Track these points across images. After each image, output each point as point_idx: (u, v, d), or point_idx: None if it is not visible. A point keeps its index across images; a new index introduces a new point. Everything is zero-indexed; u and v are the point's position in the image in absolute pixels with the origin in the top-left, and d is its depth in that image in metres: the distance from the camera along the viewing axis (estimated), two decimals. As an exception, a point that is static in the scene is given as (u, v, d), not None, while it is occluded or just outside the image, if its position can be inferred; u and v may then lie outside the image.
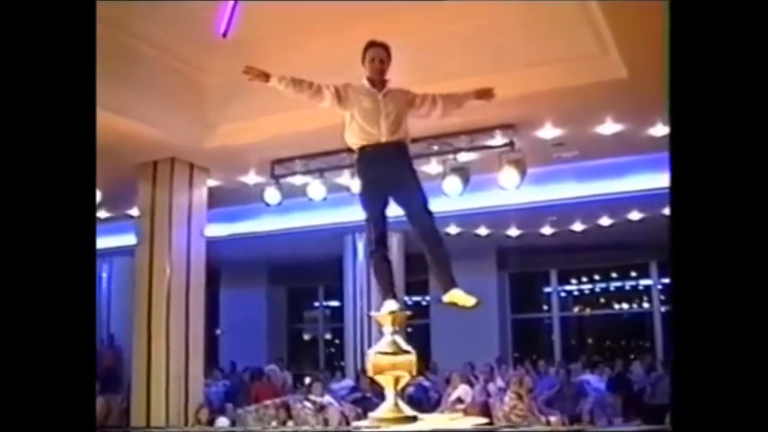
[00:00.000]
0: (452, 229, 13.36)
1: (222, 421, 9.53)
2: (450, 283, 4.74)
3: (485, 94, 5.08)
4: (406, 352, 4.58)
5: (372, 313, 4.92)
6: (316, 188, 9.55)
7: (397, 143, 4.85)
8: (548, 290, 17.18)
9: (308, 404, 9.52)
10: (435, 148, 8.86)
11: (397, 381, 4.56)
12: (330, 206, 10.54)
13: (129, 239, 11.07)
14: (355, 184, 9.01)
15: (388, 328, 4.64)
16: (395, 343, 4.59)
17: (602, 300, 17.57)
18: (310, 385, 11.01)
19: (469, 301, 4.68)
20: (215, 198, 10.38)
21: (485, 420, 5.82)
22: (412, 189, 4.84)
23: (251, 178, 10.35)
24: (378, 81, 4.90)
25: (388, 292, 4.79)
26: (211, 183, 10.29)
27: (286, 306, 19.20)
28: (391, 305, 4.66)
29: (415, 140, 5.67)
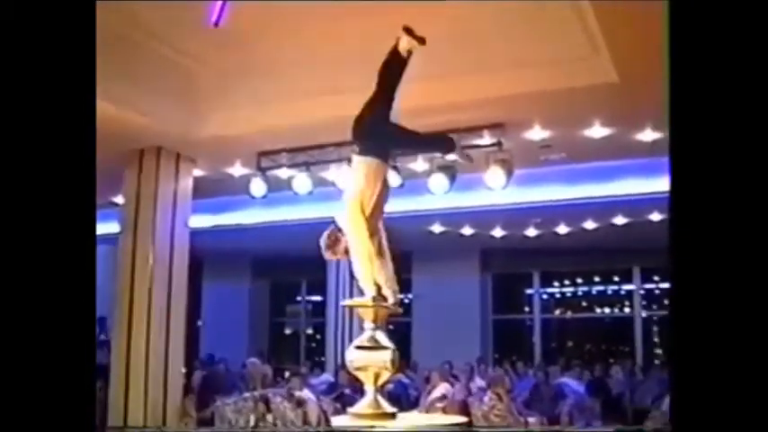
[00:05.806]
0: (436, 228, 13.37)
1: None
2: None
3: None
4: (386, 348, 4.55)
5: (345, 302, 4.96)
6: (301, 182, 9.49)
7: None
8: (530, 291, 17.22)
9: (287, 398, 9.48)
10: (422, 145, 8.82)
11: (377, 377, 4.54)
12: (316, 200, 10.49)
13: (112, 227, 11.00)
14: (340, 179, 9.00)
15: (368, 324, 4.62)
16: (374, 338, 4.57)
17: (584, 303, 17.64)
18: (289, 379, 10.98)
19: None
20: (200, 188, 10.30)
21: (464, 419, 5.82)
22: None
23: (237, 170, 10.28)
24: None
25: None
26: (197, 173, 10.22)
27: (269, 299, 19.16)
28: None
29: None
